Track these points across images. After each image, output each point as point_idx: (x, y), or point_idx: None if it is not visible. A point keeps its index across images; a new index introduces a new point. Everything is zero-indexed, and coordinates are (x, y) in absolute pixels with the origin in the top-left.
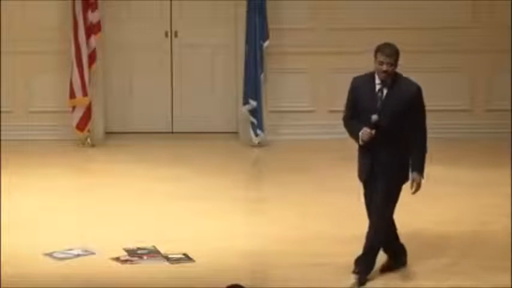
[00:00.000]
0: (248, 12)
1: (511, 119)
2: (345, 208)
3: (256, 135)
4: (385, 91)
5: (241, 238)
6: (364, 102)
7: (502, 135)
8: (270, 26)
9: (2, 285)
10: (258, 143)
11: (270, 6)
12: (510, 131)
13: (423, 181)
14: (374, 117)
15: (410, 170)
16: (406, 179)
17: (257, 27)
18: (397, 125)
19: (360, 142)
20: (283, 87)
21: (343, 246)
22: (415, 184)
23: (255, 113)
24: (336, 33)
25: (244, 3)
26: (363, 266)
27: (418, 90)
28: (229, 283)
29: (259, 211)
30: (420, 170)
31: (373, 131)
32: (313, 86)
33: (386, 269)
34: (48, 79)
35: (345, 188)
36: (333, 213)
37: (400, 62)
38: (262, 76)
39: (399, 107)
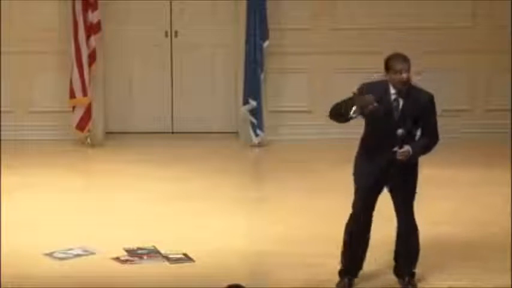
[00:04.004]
0: (248, 12)
1: (510, 119)
2: (345, 208)
3: (256, 135)
4: (401, 101)
5: (241, 238)
6: (379, 112)
7: (501, 135)
8: (270, 26)
9: (2, 286)
10: (258, 143)
11: (270, 6)
12: (510, 131)
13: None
14: (400, 131)
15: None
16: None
17: (257, 27)
18: (412, 132)
19: (357, 114)
20: (283, 87)
21: None
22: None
23: (255, 113)
24: (336, 33)
25: (244, 3)
26: (407, 268)
27: (431, 98)
28: (229, 283)
29: (259, 211)
30: (414, 149)
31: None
32: (313, 86)
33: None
34: (48, 79)
35: (345, 188)
36: (332, 214)
37: None
38: (262, 76)
39: (415, 116)
